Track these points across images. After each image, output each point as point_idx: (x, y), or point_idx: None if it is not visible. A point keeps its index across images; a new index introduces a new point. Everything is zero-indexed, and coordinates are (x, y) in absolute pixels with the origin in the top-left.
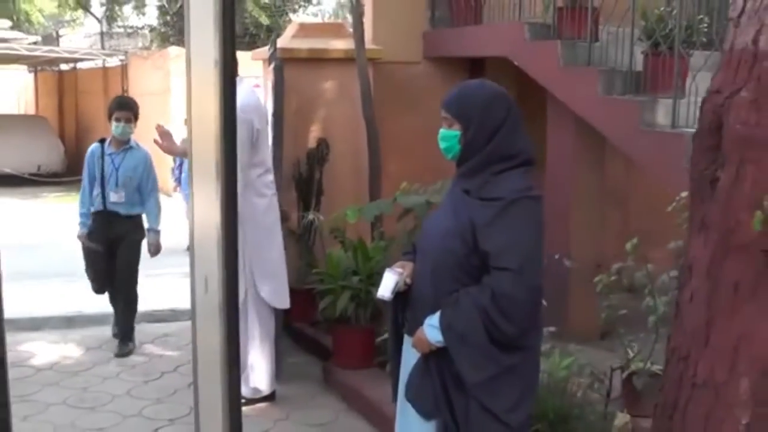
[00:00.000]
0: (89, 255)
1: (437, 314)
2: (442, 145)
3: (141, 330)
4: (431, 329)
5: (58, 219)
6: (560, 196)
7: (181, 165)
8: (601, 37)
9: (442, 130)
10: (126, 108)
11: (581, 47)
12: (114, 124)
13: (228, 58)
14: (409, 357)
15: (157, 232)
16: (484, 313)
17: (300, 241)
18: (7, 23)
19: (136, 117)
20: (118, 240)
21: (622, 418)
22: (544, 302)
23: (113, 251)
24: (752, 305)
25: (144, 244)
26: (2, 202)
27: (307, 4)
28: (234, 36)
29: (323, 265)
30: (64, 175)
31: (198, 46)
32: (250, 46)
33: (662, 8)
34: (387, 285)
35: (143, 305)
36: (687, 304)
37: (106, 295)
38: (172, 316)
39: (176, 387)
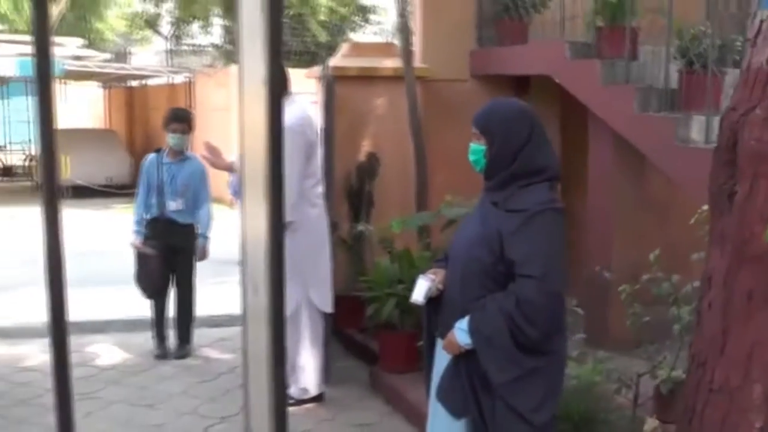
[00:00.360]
0: (143, 261)
1: (466, 318)
2: (471, 158)
3: (200, 334)
4: (461, 332)
5: (125, 228)
6: (601, 210)
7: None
8: (639, 56)
9: (471, 144)
10: (181, 120)
11: (620, 66)
12: (170, 135)
13: (275, 76)
14: (441, 359)
15: (206, 239)
16: (509, 318)
17: (350, 250)
18: (81, 41)
19: (191, 128)
20: (176, 247)
21: (651, 423)
22: (580, 311)
23: (168, 258)
24: (765, 313)
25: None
26: (73, 213)
27: (365, 24)
28: (281, 56)
29: (372, 273)
30: (132, 187)
31: (248, 65)
32: (310, 64)
33: (697, 28)
34: (420, 290)
35: (203, 310)
36: (706, 313)
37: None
38: (228, 321)
39: (229, 387)
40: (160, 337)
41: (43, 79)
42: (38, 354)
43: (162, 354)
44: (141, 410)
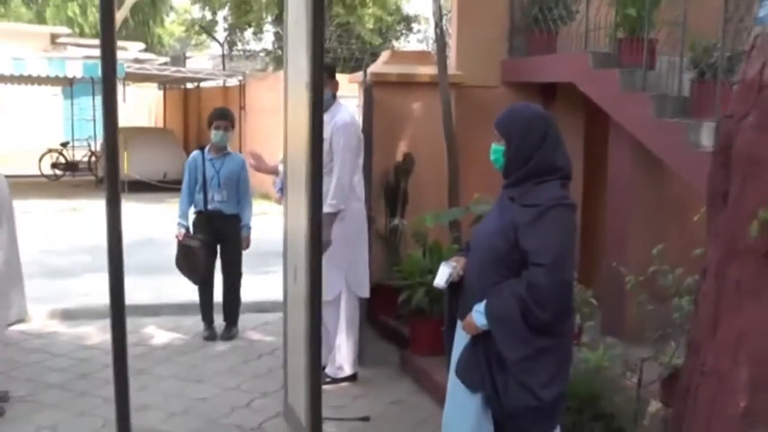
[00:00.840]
0: (186, 252)
1: (483, 302)
2: (491, 157)
3: (245, 318)
4: (478, 315)
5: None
6: (619, 208)
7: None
8: (656, 65)
9: (492, 144)
10: (224, 117)
11: (638, 74)
12: (213, 132)
13: (317, 81)
14: (460, 339)
15: (249, 228)
16: (521, 302)
17: (386, 243)
18: (141, 45)
19: (233, 125)
20: (222, 236)
21: (654, 405)
22: (594, 301)
23: (214, 247)
24: (752, 303)
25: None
26: (131, 206)
27: (408, 33)
28: (322, 63)
29: (405, 264)
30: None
31: (293, 65)
32: (355, 69)
33: (709, 41)
34: (442, 275)
35: (249, 297)
36: (701, 302)
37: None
38: (273, 307)
39: (271, 367)
40: (208, 321)
41: (107, 81)
42: (98, 333)
43: (210, 336)
44: (190, 385)
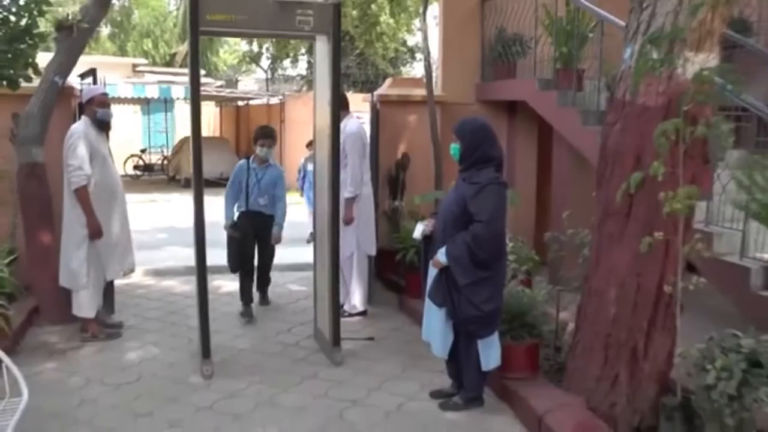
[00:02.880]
0: (232, 242)
1: (444, 247)
2: (451, 152)
3: (286, 275)
4: (441, 255)
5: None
6: (562, 192)
7: (304, 177)
8: (584, 88)
9: (451, 144)
10: (268, 136)
11: (570, 95)
12: (258, 148)
13: (335, 100)
14: (431, 273)
15: (280, 227)
16: (468, 246)
17: (389, 219)
18: (202, 72)
19: (275, 142)
20: (261, 232)
21: (571, 325)
22: (537, 257)
23: (253, 240)
24: (618, 247)
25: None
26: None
27: (413, 61)
28: (339, 86)
29: (402, 233)
30: None
31: (320, 89)
32: (371, 90)
33: (617, 69)
34: (418, 230)
35: (289, 260)
36: (592, 249)
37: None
38: (304, 267)
39: (305, 307)
40: (246, 301)
41: (194, 103)
42: (179, 285)
43: (246, 313)
44: (238, 323)
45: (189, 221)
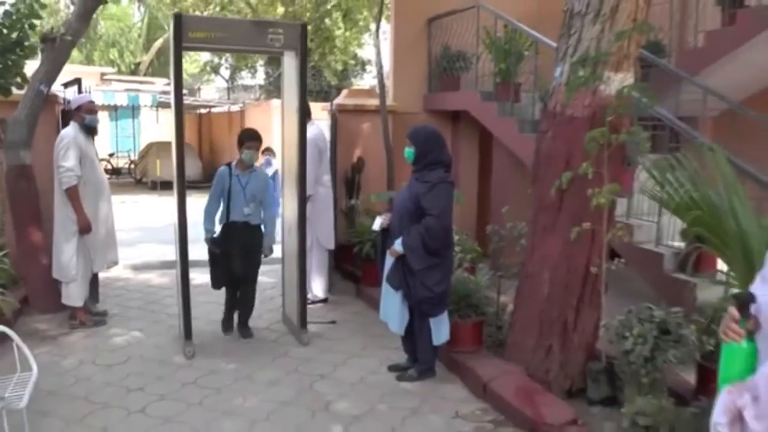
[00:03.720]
0: (215, 258)
1: (400, 238)
2: (405, 155)
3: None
4: (397, 245)
5: (196, 210)
6: (501, 191)
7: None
8: (521, 99)
9: (405, 148)
10: (256, 139)
11: (508, 106)
12: (245, 151)
13: (303, 108)
14: (388, 261)
15: (273, 237)
16: (421, 236)
17: (347, 216)
18: (166, 80)
19: (261, 144)
20: (248, 245)
21: (510, 307)
22: (479, 249)
23: (238, 254)
24: (550, 236)
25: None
26: (164, 199)
27: (363, 73)
28: (305, 96)
29: (358, 229)
30: (201, 182)
31: (288, 99)
32: (324, 100)
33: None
34: (376, 223)
35: None
36: (528, 238)
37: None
38: (270, 261)
39: (272, 295)
40: (226, 329)
41: (177, 113)
42: (156, 278)
43: (227, 329)
44: (219, 306)
45: (159, 221)
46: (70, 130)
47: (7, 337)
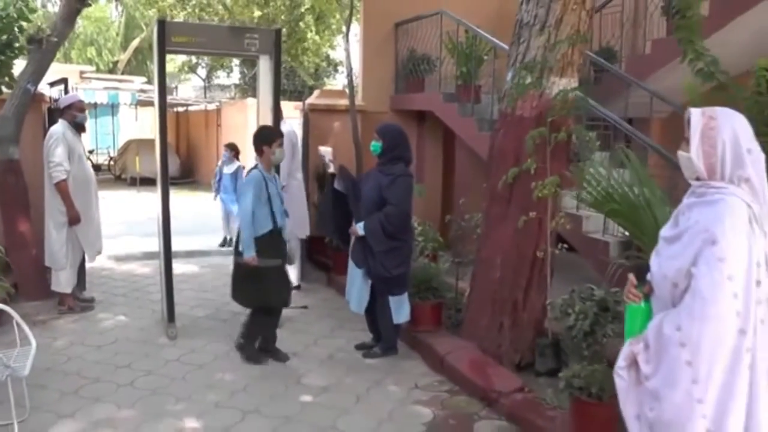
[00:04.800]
0: (273, 274)
1: (363, 222)
2: (371, 149)
3: (229, 258)
4: (360, 228)
5: (176, 204)
6: (462, 186)
7: (220, 180)
8: (481, 100)
9: (373, 142)
10: (282, 135)
11: (469, 106)
12: (278, 150)
13: (276, 106)
14: (354, 240)
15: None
16: (381, 222)
17: (317, 209)
18: (144, 79)
19: None
20: (284, 254)
21: (468, 290)
22: (441, 238)
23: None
24: (501, 225)
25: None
26: (144, 195)
27: (335, 73)
28: (279, 97)
29: None
30: (179, 178)
31: (263, 99)
32: (297, 99)
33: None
34: (324, 151)
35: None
36: (482, 226)
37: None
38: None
39: None
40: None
41: (161, 112)
42: (139, 268)
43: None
44: (200, 293)
45: (140, 215)
46: (59, 127)
47: (2, 319)
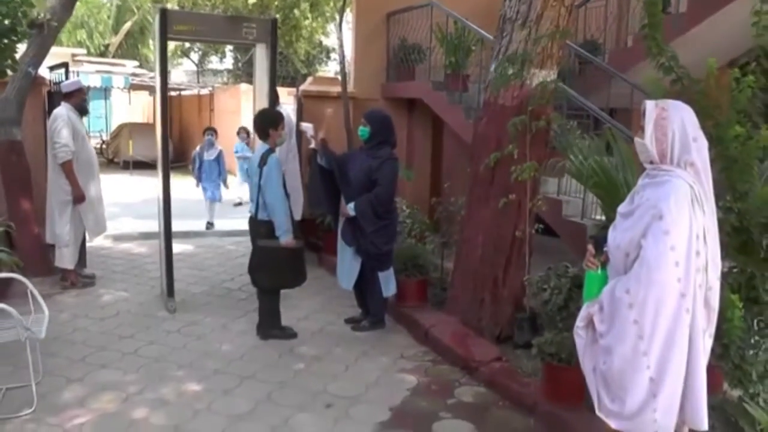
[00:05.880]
0: (297, 255)
1: (353, 203)
2: (359, 133)
3: (224, 239)
4: (350, 208)
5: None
6: (450, 171)
7: (200, 167)
8: (469, 89)
9: (360, 127)
10: (284, 118)
11: (457, 95)
12: (283, 132)
13: (272, 92)
14: (343, 221)
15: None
16: (371, 202)
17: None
18: (136, 63)
19: None
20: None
21: (452, 268)
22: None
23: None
24: (483, 207)
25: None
26: (138, 178)
27: (328, 60)
28: (275, 83)
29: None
30: (172, 162)
31: (259, 86)
32: (290, 85)
33: None
34: (306, 128)
35: (227, 227)
36: (465, 208)
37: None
38: (239, 233)
39: (243, 263)
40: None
41: (162, 98)
42: (136, 248)
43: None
44: (194, 271)
45: (133, 197)
46: (63, 110)
47: (12, 290)
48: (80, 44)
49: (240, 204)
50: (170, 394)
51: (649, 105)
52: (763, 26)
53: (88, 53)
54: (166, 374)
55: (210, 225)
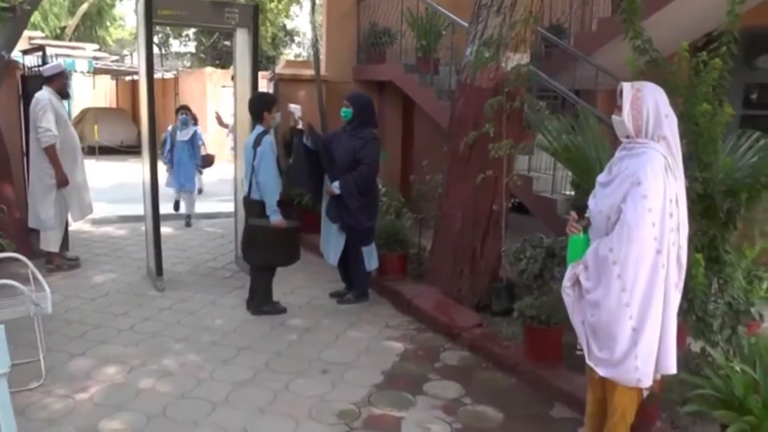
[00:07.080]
0: (292, 233)
1: (338, 182)
2: (342, 114)
3: (204, 222)
4: (335, 187)
5: (135, 172)
6: (421, 151)
7: (171, 149)
8: (440, 72)
9: (343, 108)
10: (277, 101)
11: (428, 77)
12: (277, 114)
13: (255, 77)
14: (328, 199)
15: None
16: (355, 180)
17: (286, 174)
18: (96, 46)
19: None
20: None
21: (430, 244)
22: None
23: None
24: (461, 183)
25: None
26: (105, 164)
27: (291, 43)
28: (257, 67)
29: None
30: (137, 147)
31: (241, 70)
32: (263, 69)
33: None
34: (294, 109)
35: (205, 210)
36: (443, 185)
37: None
38: (217, 215)
39: (222, 243)
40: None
41: (149, 83)
42: (115, 231)
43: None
44: (177, 253)
45: (103, 182)
46: (45, 94)
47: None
48: (34, 27)
49: (201, 191)
50: (172, 365)
51: (626, 86)
52: (734, 14)
53: (44, 37)
54: (166, 347)
55: (188, 219)
